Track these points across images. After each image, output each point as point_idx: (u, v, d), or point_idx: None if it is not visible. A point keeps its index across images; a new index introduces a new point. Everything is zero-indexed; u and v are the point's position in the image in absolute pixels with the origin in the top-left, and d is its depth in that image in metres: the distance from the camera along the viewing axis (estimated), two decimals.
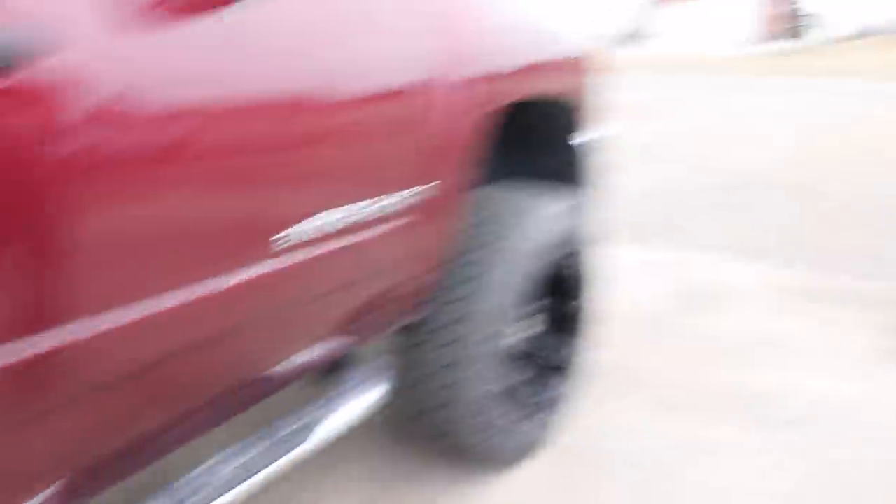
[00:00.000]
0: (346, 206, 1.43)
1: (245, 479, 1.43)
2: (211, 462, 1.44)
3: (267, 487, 1.74)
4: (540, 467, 2.24)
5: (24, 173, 0.91)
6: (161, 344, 1.15)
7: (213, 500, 1.37)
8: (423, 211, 1.66)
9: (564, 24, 2.42)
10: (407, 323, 1.86)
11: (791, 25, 59.59)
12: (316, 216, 1.36)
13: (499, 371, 1.95)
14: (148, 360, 1.14)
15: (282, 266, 1.31)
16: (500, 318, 1.88)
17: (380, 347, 1.96)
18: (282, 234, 1.29)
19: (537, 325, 2.26)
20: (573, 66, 2.40)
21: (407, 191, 1.59)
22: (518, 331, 2.07)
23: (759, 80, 21.10)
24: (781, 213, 5.48)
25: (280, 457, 1.53)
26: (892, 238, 4.99)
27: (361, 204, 1.47)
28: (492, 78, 1.83)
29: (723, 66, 26.90)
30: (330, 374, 1.80)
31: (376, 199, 1.51)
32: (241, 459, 1.47)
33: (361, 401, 1.75)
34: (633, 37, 42.74)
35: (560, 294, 2.31)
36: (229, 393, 1.37)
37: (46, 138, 0.92)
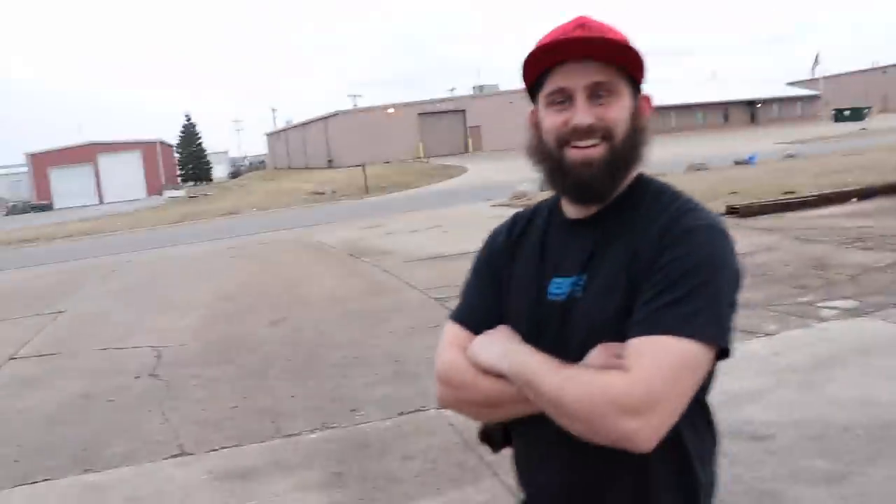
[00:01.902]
0: None
1: None
2: None
3: None
4: None
5: None
6: None
7: None
8: None
9: None
10: None
11: (194, 169, 70.67)
12: None
13: None
14: None
15: None
16: None
17: None
18: None
19: None
20: None
21: None
22: None
23: (175, 229, 25.78)
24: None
25: None
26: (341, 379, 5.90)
27: None
28: None
29: (133, 222, 31.66)
30: None
31: None
32: None
33: None
34: (23, 208, 44.25)
35: None
36: None
37: None
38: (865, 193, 13.84)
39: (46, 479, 4.50)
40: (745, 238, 10.59)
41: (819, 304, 6.78)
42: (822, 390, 4.76)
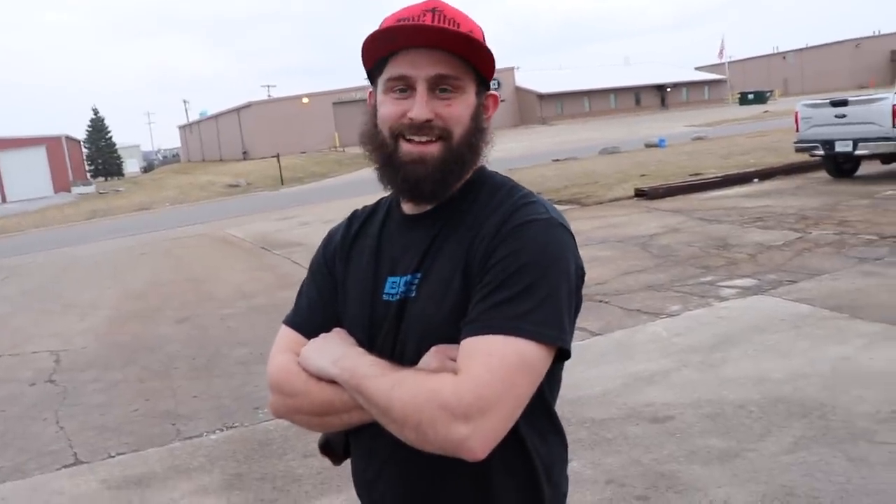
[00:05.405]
0: None
1: None
2: None
3: None
4: None
5: None
6: None
7: None
8: None
9: None
10: None
11: (104, 164, 72.19)
12: None
13: None
14: None
15: None
16: None
17: None
18: None
19: None
20: None
21: None
22: None
23: (83, 227, 25.96)
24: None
25: None
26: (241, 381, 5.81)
27: None
28: None
29: (38, 221, 31.46)
30: None
31: None
32: None
33: None
34: None
35: None
36: None
37: None
38: (766, 174, 14.39)
39: None
40: (652, 220, 10.84)
41: (720, 284, 6.97)
42: (720, 369, 4.88)
